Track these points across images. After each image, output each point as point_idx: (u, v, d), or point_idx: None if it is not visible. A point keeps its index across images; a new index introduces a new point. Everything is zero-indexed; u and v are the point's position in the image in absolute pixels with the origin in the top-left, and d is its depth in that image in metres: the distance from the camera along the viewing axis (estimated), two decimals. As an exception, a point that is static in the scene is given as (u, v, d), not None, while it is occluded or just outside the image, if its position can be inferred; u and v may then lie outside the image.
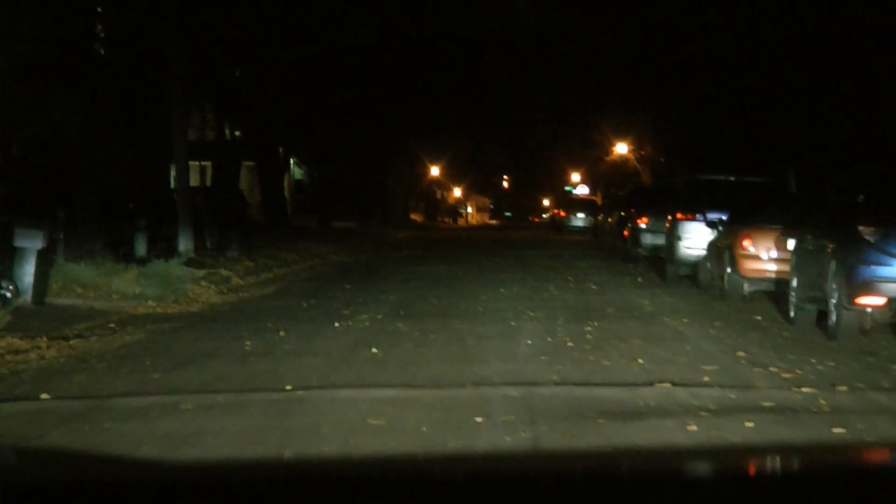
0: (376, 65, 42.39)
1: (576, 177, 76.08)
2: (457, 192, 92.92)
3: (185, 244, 22.68)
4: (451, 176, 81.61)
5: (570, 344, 11.20)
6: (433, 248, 34.82)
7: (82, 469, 3.20)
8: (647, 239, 25.27)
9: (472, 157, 73.96)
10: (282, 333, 12.14)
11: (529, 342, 11.39)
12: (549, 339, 11.63)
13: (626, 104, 44.32)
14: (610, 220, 32.08)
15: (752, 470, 2.70)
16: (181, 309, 15.53)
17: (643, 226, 25.53)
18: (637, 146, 48.53)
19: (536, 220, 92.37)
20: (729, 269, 16.42)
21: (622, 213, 28.96)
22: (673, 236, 19.51)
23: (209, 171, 53.72)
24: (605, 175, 59.56)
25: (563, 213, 53.45)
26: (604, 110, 46.07)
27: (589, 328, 12.55)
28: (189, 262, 17.88)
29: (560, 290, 17.87)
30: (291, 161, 59.36)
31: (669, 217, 20.44)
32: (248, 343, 11.44)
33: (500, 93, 57.52)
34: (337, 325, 12.95)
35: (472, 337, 11.78)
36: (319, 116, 37.22)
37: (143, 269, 16.41)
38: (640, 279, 20.78)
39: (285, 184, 54.11)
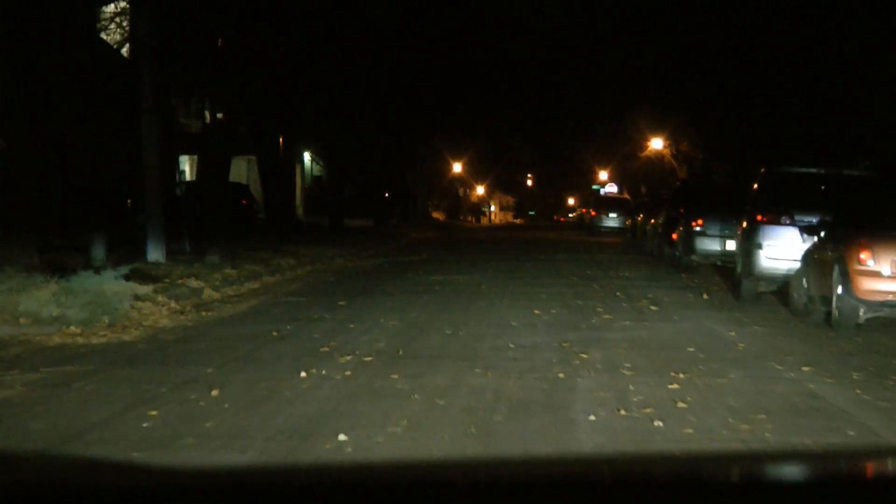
0: (394, 53, 38.26)
1: (603, 175, 71.54)
2: (480, 189, 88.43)
3: (154, 248, 18.47)
4: (475, 173, 77.17)
5: (658, 424, 6.85)
6: (453, 250, 30.47)
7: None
8: (703, 244, 21.03)
9: (496, 153, 69.61)
10: (215, 392, 7.85)
11: (592, 418, 7.03)
12: (623, 411, 7.27)
13: (664, 96, 39.92)
14: (652, 221, 27.69)
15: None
16: (113, 337, 11.30)
17: (697, 229, 21.24)
18: (674, 141, 44.05)
19: (562, 219, 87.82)
20: (839, 290, 12.06)
21: (670, 214, 24.58)
22: (751, 244, 15.08)
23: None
24: (636, 172, 55.10)
25: (593, 213, 48.82)
26: (640, 103, 41.64)
27: (675, 385, 8.20)
28: (133, 273, 13.56)
29: (612, 313, 13.52)
30: (308, 156, 55.31)
31: (744, 221, 16.03)
32: (153, 414, 7.15)
33: (526, 86, 53.37)
34: (304, 374, 8.65)
35: (501, 405, 7.43)
36: (328, 105, 32.88)
37: (66, 283, 12.12)
38: (705, 295, 16.37)
39: (297, 179, 49.99)
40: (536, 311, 13.50)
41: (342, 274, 20.81)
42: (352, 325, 12.02)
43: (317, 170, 57.19)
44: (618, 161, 61.62)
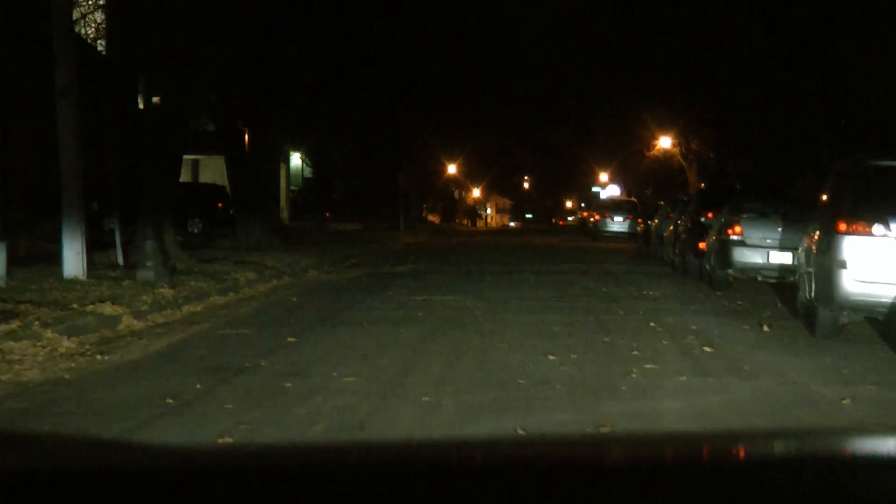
0: (388, 48, 34.44)
1: (604, 176, 67.66)
2: (476, 192, 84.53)
3: (71, 262, 14.58)
4: (470, 175, 73.26)
5: None
6: (446, 259, 26.56)
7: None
8: (743, 256, 17.19)
9: (492, 154, 65.75)
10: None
11: None
12: None
13: (674, 90, 36.12)
14: (671, 227, 23.81)
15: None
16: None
17: (735, 237, 17.35)
18: (684, 140, 40.18)
19: (561, 222, 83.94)
20: None
21: (695, 219, 20.74)
22: (829, 261, 11.11)
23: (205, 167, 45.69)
24: (641, 173, 51.24)
25: (597, 216, 44.84)
26: (648, 98, 37.78)
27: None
28: (30, 298, 9.61)
29: (655, 359, 9.59)
30: (298, 157, 51.57)
31: (816, 231, 12.11)
32: None
33: (524, 83, 49.60)
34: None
35: None
36: (306, 96, 28.98)
37: None
38: (765, 327, 12.41)
39: (282, 181, 46.18)
40: (551, 357, 9.59)
41: (311, 292, 16.92)
42: (289, 384, 8.14)
43: (308, 171, 53.40)
44: (620, 162, 57.75)
